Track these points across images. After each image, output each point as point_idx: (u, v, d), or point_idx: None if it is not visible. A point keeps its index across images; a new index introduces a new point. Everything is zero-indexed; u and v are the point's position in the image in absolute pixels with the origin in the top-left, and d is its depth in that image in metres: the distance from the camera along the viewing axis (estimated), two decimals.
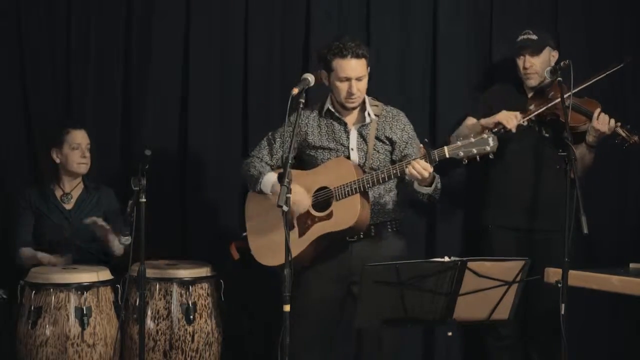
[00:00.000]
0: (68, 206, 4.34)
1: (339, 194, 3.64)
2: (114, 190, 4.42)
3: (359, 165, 3.75)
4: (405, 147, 3.77)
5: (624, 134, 4.11)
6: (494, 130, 4.10)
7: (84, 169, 4.33)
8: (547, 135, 4.28)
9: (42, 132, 4.52)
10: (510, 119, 4.12)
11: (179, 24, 4.71)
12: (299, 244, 3.71)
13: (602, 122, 4.09)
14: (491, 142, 3.43)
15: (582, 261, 3.66)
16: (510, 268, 3.25)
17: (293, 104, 3.56)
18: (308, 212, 3.53)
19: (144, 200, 3.70)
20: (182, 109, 4.73)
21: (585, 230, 3.39)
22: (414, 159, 3.49)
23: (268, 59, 4.76)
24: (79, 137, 4.32)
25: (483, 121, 4.21)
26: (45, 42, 4.66)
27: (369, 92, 3.85)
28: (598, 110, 4.13)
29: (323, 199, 3.65)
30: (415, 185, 3.62)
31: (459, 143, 3.46)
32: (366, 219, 3.66)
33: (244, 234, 3.93)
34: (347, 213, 3.62)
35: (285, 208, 3.25)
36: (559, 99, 3.93)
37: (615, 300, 4.36)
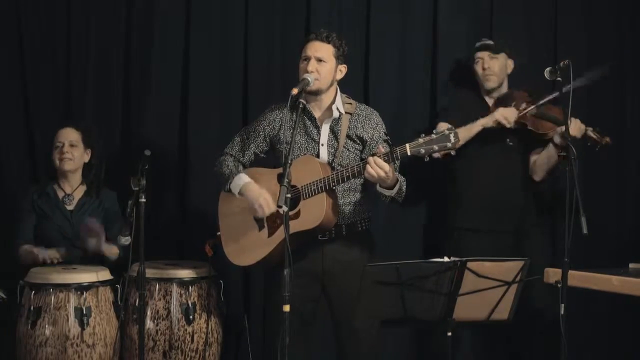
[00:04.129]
0: (69, 207, 4.33)
1: (305, 193, 3.63)
2: (116, 193, 4.41)
3: (328, 162, 3.74)
4: (375, 146, 3.74)
5: (594, 136, 4.17)
6: (492, 126, 4.21)
7: (66, 165, 4.29)
8: (511, 143, 4.34)
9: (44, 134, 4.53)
10: (510, 116, 4.21)
11: (179, 24, 4.71)
12: (269, 244, 3.72)
13: (574, 127, 4.13)
14: (452, 139, 3.38)
15: (582, 261, 3.66)
16: (510, 268, 3.26)
17: (293, 103, 3.58)
18: (277, 211, 3.52)
19: (143, 200, 3.70)
20: (182, 109, 4.74)
21: (585, 231, 3.39)
22: (371, 156, 3.46)
23: (268, 59, 4.76)
24: (62, 135, 4.29)
25: (482, 121, 4.26)
26: (45, 42, 4.66)
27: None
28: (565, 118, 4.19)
29: (292, 198, 3.59)
30: (377, 187, 3.62)
31: (420, 140, 3.40)
32: (333, 217, 3.64)
33: (218, 233, 3.94)
34: (314, 212, 3.60)
35: (285, 208, 3.25)
36: (555, 95, 4.03)
37: (615, 300, 4.36)
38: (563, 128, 4.10)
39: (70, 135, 4.30)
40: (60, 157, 4.28)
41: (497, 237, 4.32)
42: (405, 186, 3.72)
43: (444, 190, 4.68)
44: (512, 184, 4.36)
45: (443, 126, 4.33)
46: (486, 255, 4.10)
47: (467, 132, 4.27)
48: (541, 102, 4.22)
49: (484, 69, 4.39)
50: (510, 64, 4.43)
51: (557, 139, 4.19)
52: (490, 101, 4.41)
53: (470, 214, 4.39)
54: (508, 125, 4.20)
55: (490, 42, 4.41)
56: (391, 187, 3.59)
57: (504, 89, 4.43)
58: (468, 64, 4.52)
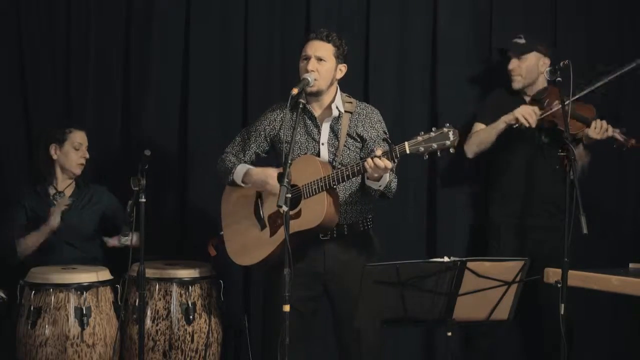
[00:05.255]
0: None
1: (306, 192, 3.62)
2: (107, 188, 4.43)
3: (329, 161, 3.73)
4: (374, 144, 3.73)
5: (621, 139, 4.16)
6: (514, 126, 4.20)
7: (80, 170, 4.34)
8: (545, 141, 4.33)
9: (42, 128, 4.51)
10: (530, 115, 4.18)
11: (179, 24, 4.71)
12: (271, 244, 3.71)
13: (598, 131, 4.14)
14: (451, 137, 3.35)
15: (582, 261, 3.66)
16: (510, 268, 3.25)
17: (293, 103, 3.58)
18: (279, 210, 3.48)
19: (143, 200, 3.71)
20: (182, 109, 4.74)
21: (585, 230, 3.39)
22: (373, 156, 3.43)
23: (268, 59, 4.76)
24: (81, 138, 4.33)
25: (505, 118, 4.26)
26: (45, 42, 4.66)
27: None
28: (595, 117, 4.18)
29: (293, 197, 3.54)
30: (366, 180, 3.60)
31: (419, 138, 3.38)
32: (334, 216, 3.62)
33: (221, 232, 3.94)
34: (315, 211, 3.59)
35: (285, 208, 3.25)
36: (569, 100, 4.00)
37: (615, 300, 4.37)
38: (590, 133, 4.13)
39: (85, 140, 4.34)
40: (78, 160, 4.31)
41: (529, 234, 4.35)
42: (395, 183, 3.71)
43: (449, 190, 4.71)
44: (543, 182, 4.36)
45: (480, 126, 4.39)
46: (520, 252, 4.15)
47: (492, 130, 4.30)
48: (566, 102, 4.18)
49: (509, 69, 4.40)
50: (544, 62, 4.38)
51: (585, 140, 4.18)
52: (527, 99, 4.40)
53: (503, 210, 4.42)
54: (528, 125, 4.17)
55: (522, 41, 4.36)
56: (377, 181, 3.57)
57: (539, 86, 4.40)
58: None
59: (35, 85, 4.65)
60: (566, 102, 3.64)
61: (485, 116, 4.44)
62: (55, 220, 4.14)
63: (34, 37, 4.65)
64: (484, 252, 4.49)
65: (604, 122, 4.16)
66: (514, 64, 4.38)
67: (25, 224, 4.28)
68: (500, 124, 4.27)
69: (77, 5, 4.66)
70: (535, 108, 4.21)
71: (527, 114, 4.18)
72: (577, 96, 4.10)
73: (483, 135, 4.36)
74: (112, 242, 4.24)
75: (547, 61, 4.38)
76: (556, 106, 4.18)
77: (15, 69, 4.65)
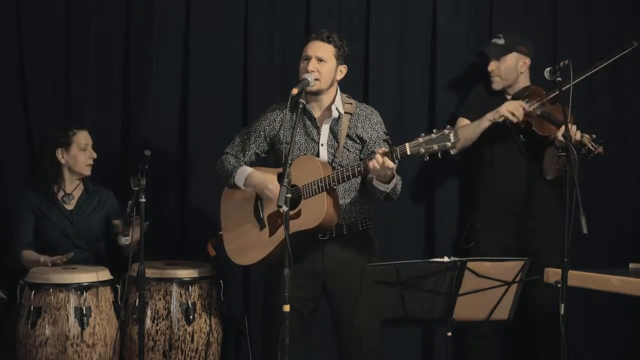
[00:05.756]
0: (69, 207, 4.33)
1: (306, 192, 3.62)
2: (113, 191, 4.42)
3: (328, 162, 3.73)
4: (374, 146, 3.73)
5: (589, 145, 4.13)
6: (500, 121, 4.18)
7: (89, 170, 4.32)
8: (523, 139, 4.33)
9: (45, 131, 4.49)
10: (517, 109, 4.16)
11: (179, 24, 4.71)
12: (270, 243, 3.72)
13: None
14: (452, 138, 3.34)
15: (582, 261, 3.66)
16: (510, 268, 3.26)
17: (293, 103, 3.58)
18: (278, 211, 3.48)
19: (143, 200, 3.71)
20: (182, 109, 4.74)
21: (585, 230, 3.38)
22: (375, 155, 3.44)
23: (268, 59, 4.76)
24: (86, 138, 4.31)
25: (489, 116, 4.24)
26: (45, 42, 4.66)
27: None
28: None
29: (293, 197, 3.52)
30: (374, 181, 3.59)
31: (420, 140, 3.38)
32: (334, 217, 3.62)
33: (220, 232, 3.94)
34: (315, 211, 3.59)
35: (285, 208, 3.25)
36: (556, 93, 4.02)
37: (615, 300, 4.37)
38: (558, 136, 4.12)
39: (89, 139, 4.32)
40: (86, 161, 4.29)
41: (514, 234, 4.35)
42: (400, 186, 3.71)
43: (447, 190, 4.70)
44: (524, 181, 4.35)
45: (464, 121, 4.39)
46: (505, 252, 4.15)
47: (476, 128, 4.29)
48: (544, 100, 4.19)
49: (488, 70, 4.40)
50: (524, 62, 4.38)
51: (557, 142, 4.18)
52: (508, 98, 4.39)
53: (486, 211, 4.42)
54: (515, 120, 4.15)
55: (501, 41, 4.37)
56: (388, 182, 3.58)
57: (520, 85, 4.39)
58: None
59: (35, 85, 4.66)
60: (549, 101, 3.64)
61: (469, 111, 4.44)
62: (53, 262, 4.09)
63: (34, 37, 4.65)
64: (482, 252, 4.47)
65: (574, 127, 4.14)
66: (492, 65, 4.39)
67: (34, 226, 4.27)
68: (485, 122, 4.26)
69: (77, 5, 4.66)
70: (522, 102, 4.20)
71: (513, 109, 4.16)
72: (577, 81, 4.10)
73: (467, 132, 4.32)
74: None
75: (528, 61, 4.40)
76: (532, 106, 4.19)
77: (15, 69, 4.65)
